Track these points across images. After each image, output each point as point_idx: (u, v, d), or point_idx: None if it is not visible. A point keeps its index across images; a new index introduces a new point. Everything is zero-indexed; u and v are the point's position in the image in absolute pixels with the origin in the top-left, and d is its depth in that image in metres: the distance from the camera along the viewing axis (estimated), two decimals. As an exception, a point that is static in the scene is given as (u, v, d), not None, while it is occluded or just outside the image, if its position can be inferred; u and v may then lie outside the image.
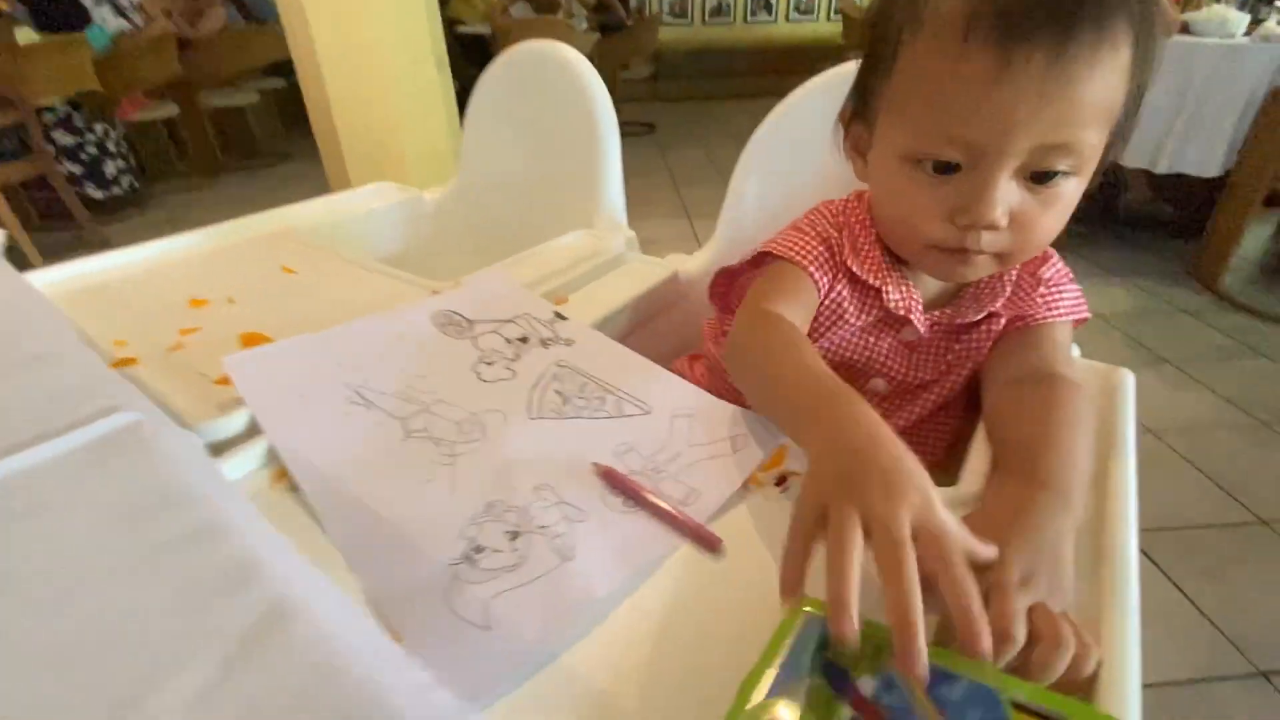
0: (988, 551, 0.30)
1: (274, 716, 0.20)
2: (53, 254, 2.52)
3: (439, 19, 2.09)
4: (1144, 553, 1.21)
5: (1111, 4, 0.36)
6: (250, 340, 0.58)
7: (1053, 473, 0.36)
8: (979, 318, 0.50)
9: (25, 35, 2.75)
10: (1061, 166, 0.40)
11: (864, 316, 0.52)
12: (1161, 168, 2.06)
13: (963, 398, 0.54)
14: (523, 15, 3.85)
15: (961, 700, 0.26)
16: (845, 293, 0.52)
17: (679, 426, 0.47)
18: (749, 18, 5.62)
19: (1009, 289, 0.50)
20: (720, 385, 0.62)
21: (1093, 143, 0.39)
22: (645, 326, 0.71)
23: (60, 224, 2.83)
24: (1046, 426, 0.40)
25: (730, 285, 0.60)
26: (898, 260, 0.51)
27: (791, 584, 0.29)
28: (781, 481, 0.43)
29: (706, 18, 5.58)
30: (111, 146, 3.08)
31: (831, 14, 5.56)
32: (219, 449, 0.45)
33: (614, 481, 0.42)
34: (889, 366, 0.54)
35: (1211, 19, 2.00)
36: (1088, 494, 0.38)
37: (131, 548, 0.25)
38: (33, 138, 2.57)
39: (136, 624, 0.22)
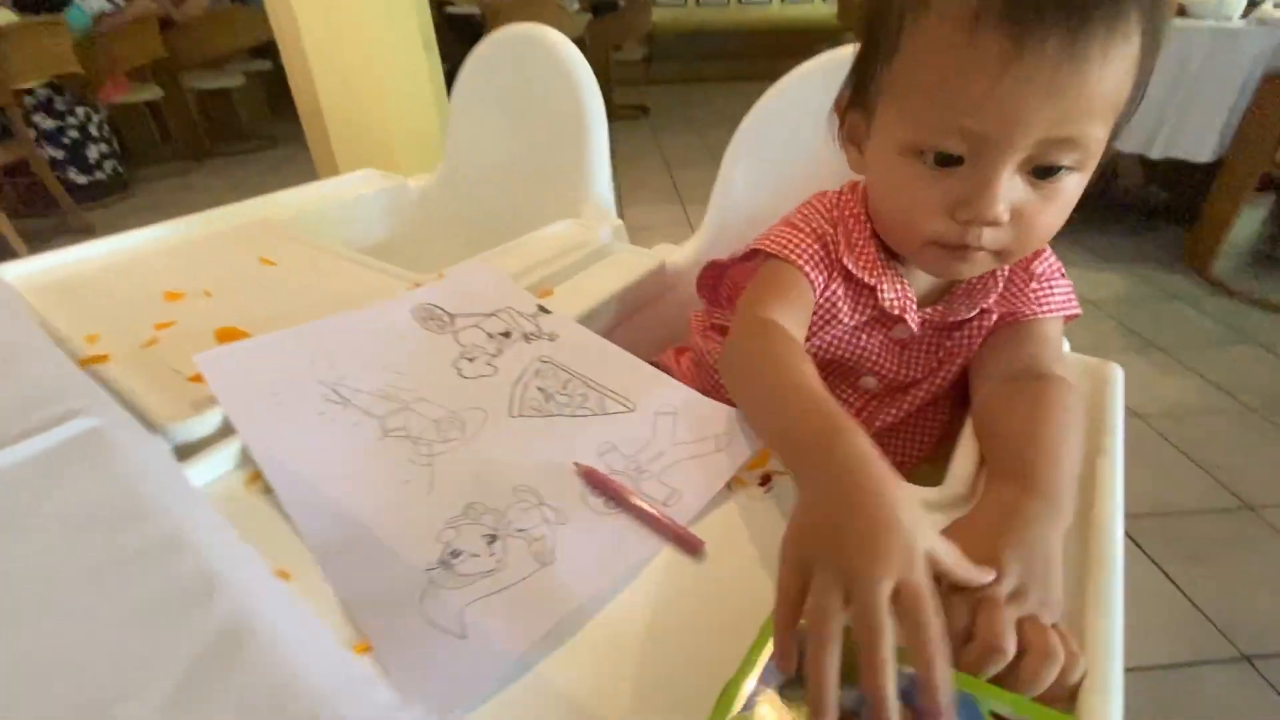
0: (984, 577, 0.30)
1: (229, 743, 0.19)
2: (35, 241, 2.48)
3: (427, -2, 2.05)
4: (1130, 538, 1.22)
5: None
6: (226, 335, 0.57)
7: (1043, 478, 0.36)
8: (971, 315, 0.49)
9: (3, 16, 2.68)
10: (1066, 161, 0.38)
11: (857, 315, 0.51)
12: (1156, 152, 2.05)
13: (952, 392, 0.54)
14: (513, -5, 3.79)
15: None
16: (840, 291, 0.51)
17: (662, 424, 0.46)
18: (744, -2, 5.55)
19: (1001, 284, 0.49)
20: (706, 379, 0.61)
21: (1098, 137, 0.38)
22: (632, 318, 0.70)
23: (42, 210, 2.78)
24: (1036, 427, 0.39)
25: (719, 278, 0.59)
26: (892, 255, 0.50)
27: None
28: (765, 481, 0.42)
29: (700, -1, 5.51)
30: (94, 130, 3.02)
31: (828, -6, 5.49)
32: (192, 450, 0.44)
33: (595, 482, 0.41)
34: (880, 364, 0.53)
35: (1208, 1, 1.98)
36: (1076, 495, 0.37)
37: (83, 564, 0.24)
38: (13, 122, 2.51)
39: (85, 647, 0.21)
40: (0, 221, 2.34)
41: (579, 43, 0.86)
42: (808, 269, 0.49)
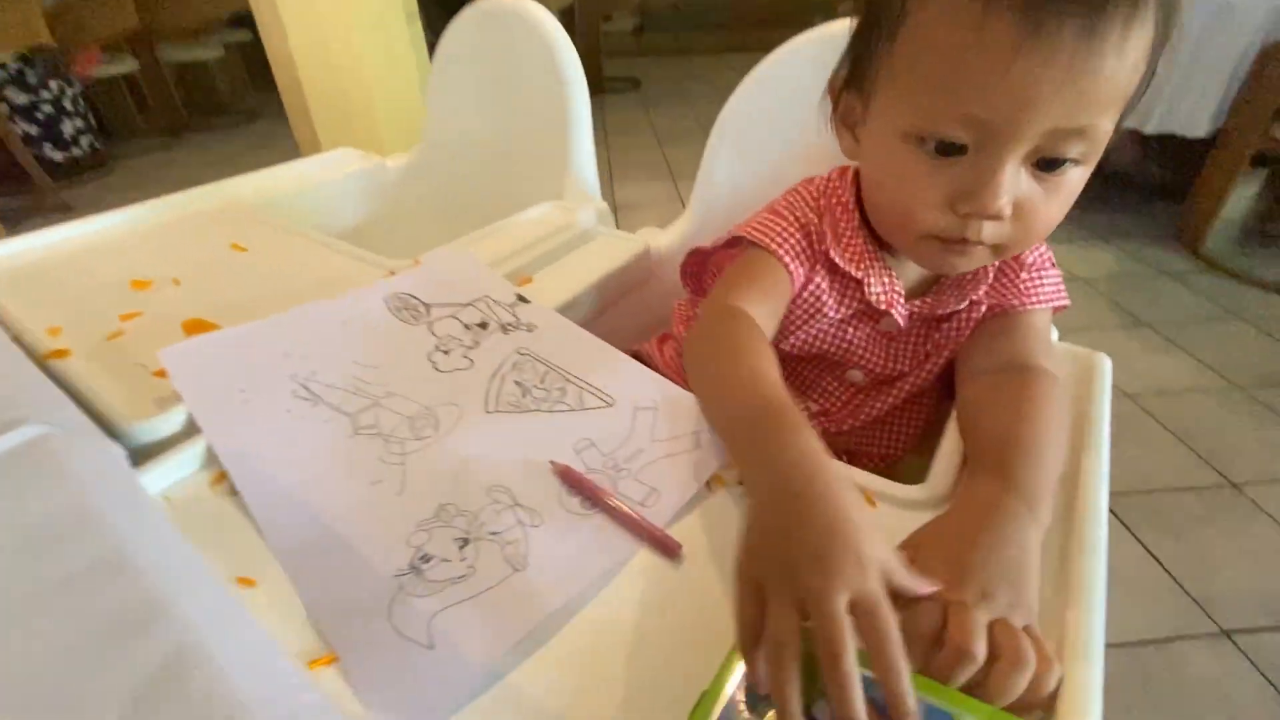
0: (927, 587, 0.29)
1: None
2: (10, 221, 2.42)
3: (408, -35, 1.98)
4: (1114, 514, 1.23)
5: None
6: (194, 327, 0.55)
7: (1023, 477, 0.35)
8: (960, 307, 0.48)
9: (-33, -16, 2.59)
10: (1073, 154, 0.36)
11: (844, 309, 0.50)
12: (1151, 127, 2.03)
13: (939, 383, 0.53)
14: (499, -37, 3.67)
15: (916, 723, 0.25)
16: (824, 285, 0.49)
17: (641, 420, 0.45)
18: (737, -34, 5.41)
19: (991, 275, 0.48)
20: (688, 371, 0.60)
21: (1106, 129, 0.36)
22: (615, 304, 0.68)
23: (17, 189, 2.71)
24: (1020, 424, 0.38)
25: (703, 265, 0.57)
26: (880, 245, 0.48)
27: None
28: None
29: (693, -34, 5.36)
30: (68, 105, 2.94)
31: (823, -38, 5.35)
32: (155, 450, 0.43)
33: (572, 481, 0.40)
34: (866, 357, 0.52)
35: (1207, -29, 1.93)
36: (1056, 494, 0.36)
37: (21, 585, 0.23)
38: (-17, 96, 2.44)
39: (19, 678, 0.20)
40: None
41: (568, 12, 0.84)
42: (787, 259, 0.47)
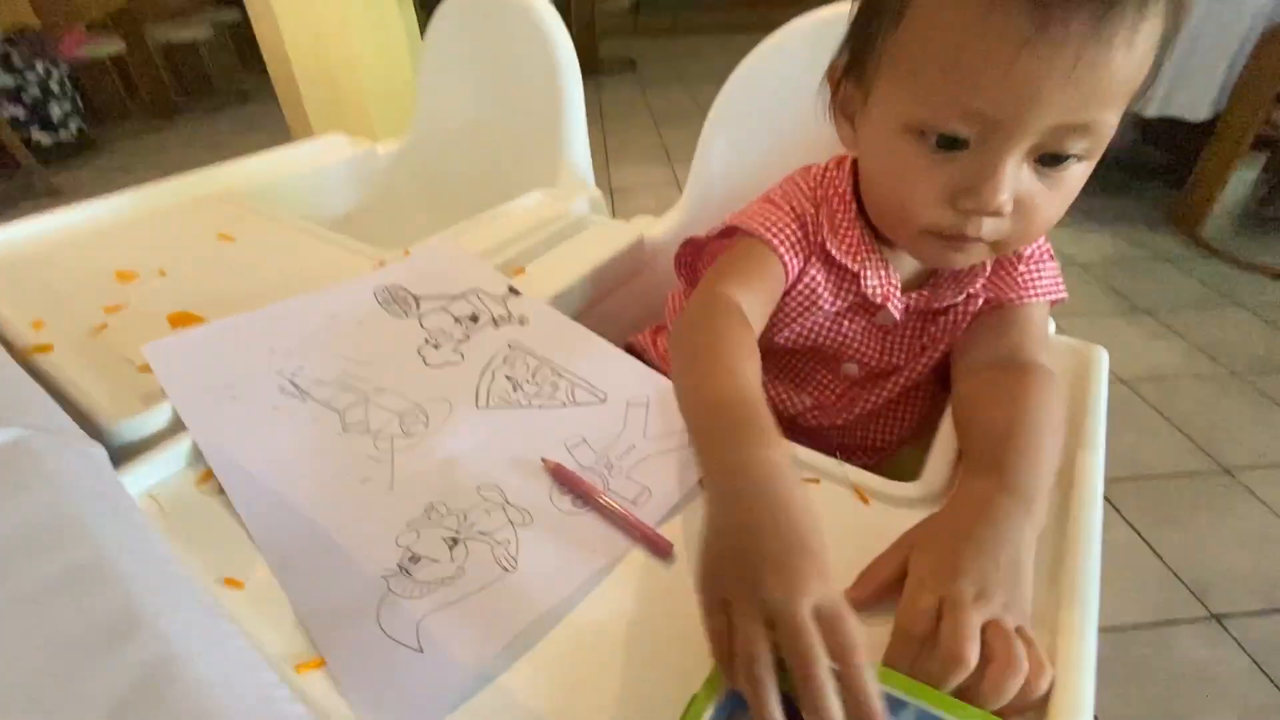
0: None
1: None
2: (-1, 205, 2.39)
3: (399, -56, 1.94)
4: (1108, 500, 1.24)
5: None
6: (179, 321, 0.54)
7: (1019, 476, 0.35)
8: (957, 300, 0.47)
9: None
10: (1076, 149, 0.36)
11: (839, 302, 0.49)
12: (1151, 111, 2.01)
13: (933, 376, 0.52)
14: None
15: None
16: (820, 278, 0.48)
17: (634, 417, 0.44)
18: (735, -57, 5.31)
19: (989, 268, 0.47)
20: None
21: (1111, 124, 0.35)
22: (609, 295, 0.67)
23: (5, 173, 2.67)
24: (1015, 422, 0.38)
25: (697, 255, 0.56)
26: (877, 237, 0.47)
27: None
28: (738, 477, 0.41)
29: (690, -57, 5.27)
30: (55, 87, 2.89)
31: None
32: (141, 447, 0.42)
33: (563, 479, 0.40)
34: (862, 351, 0.51)
35: (1211, -49, 1.90)
36: (1051, 492, 0.36)
37: (-4, 598, 0.22)
38: (-33, 78, 2.40)
39: (-6, 695, 0.20)
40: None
41: (563, -10, 0.81)
42: (782, 250, 0.46)
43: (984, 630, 0.28)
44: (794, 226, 0.47)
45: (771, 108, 0.66)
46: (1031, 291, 0.47)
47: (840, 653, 0.25)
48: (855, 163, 0.48)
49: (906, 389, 0.52)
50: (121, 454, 0.42)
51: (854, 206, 0.47)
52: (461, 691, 0.30)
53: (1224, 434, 1.38)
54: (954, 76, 0.34)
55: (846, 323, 0.50)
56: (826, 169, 0.50)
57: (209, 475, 0.41)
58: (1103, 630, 0.31)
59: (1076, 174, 0.37)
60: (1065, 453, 0.39)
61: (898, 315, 0.48)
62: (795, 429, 0.57)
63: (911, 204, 0.39)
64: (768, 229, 0.47)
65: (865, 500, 0.39)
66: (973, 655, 0.27)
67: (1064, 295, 0.48)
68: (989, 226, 0.38)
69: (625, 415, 0.45)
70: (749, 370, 0.38)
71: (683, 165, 2.69)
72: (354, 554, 0.36)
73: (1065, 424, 0.40)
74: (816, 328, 0.50)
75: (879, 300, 0.47)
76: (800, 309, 0.49)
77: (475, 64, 0.90)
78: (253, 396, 0.45)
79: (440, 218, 0.70)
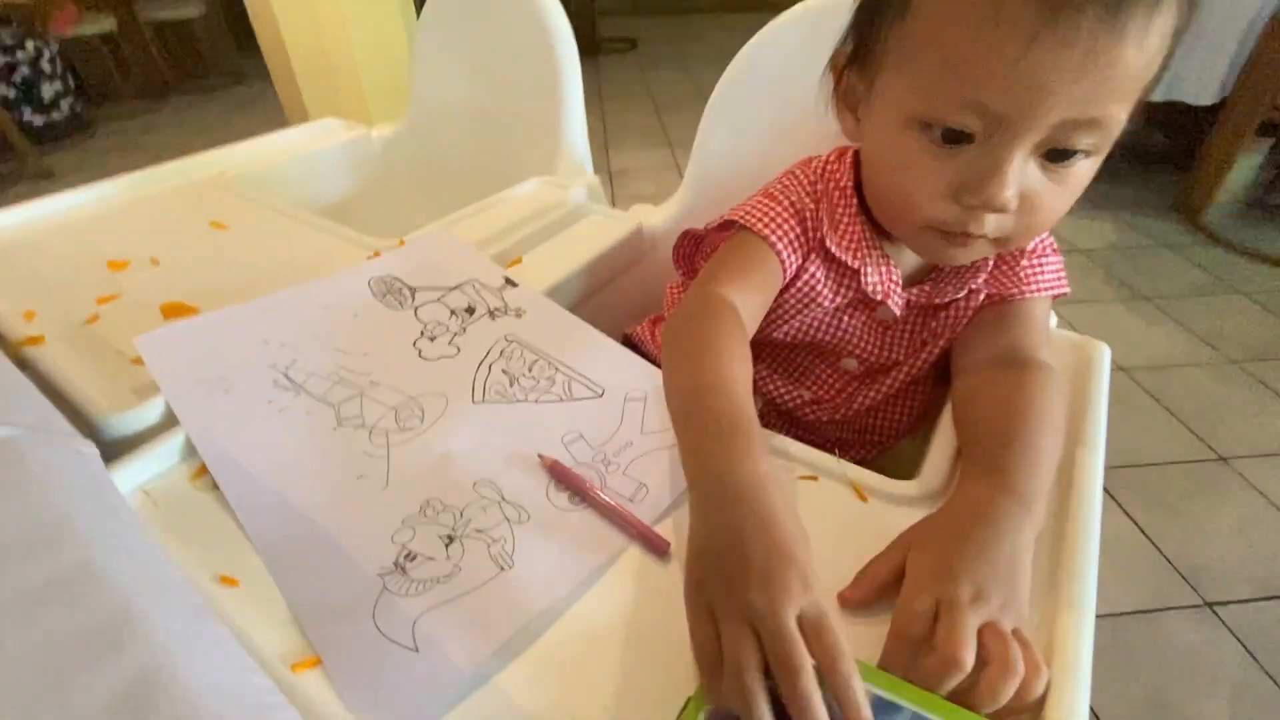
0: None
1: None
2: (-8, 188, 2.37)
3: (394, -79, 1.90)
4: (1104, 489, 1.24)
5: None
6: (172, 311, 0.54)
7: (1018, 476, 0.34)
8: (959, 295, 0.47)
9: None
10: (1084, 145, 0.35)
11: (839, 298, 0.48)
12: (1159, 95, 1.97)
13: (933, 370, 0.52)
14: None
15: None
16: (819, 274, 0.47)
17: (631, 411, 0.44)
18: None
19: (991, 263, 0.46)
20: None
21: (1120, 119, 0.34)
22: (607, 285, 0.67)
23: (-3, 154, 2.64)
24: (1016, 422, 0.38)
25: (696, 248, 0.55)
26: (878, 231, 0.47)
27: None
28: (736, 473, 0.41)
29: (692, -81, 5.17)
30: (47, 66, 2.84)
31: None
32: (134, 441, 0.42)
33: (560, 476, 0.40)
34: (861, 346, 0.51)
35: (1222, -68, 1.87)
36: (1050, 493, 0.36)
37: (-16, 604, 0.22)
38: (-45, 57, 2.36)
39: (-17, 704, 0.20)
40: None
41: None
42: (780, 246, 0.46)
43: (981, 632, 0.28)
44: (793, 222, 0.46)
45: (772, 96, 0.65)
46: (1034, 286, 0.46)
47: (825, 660, 0.25)
48: (857, 155, 0.48)
49: (906, 384, 0.52)
50: (115, 448, 0.41)
51: (855, 201, 0.46)
52: (457, 691, 0.30)
53: (1221, 422, 1.38)
54: (962, 69, 0.33)
55: (846, 318, 0.50)
56: (827, 161, 0.49)
57: (203, 470, 0.40)
58: (1096, 617, 0.31)
59: (1083, 170, 0.37)
60: (1064, 450, 0.39)
61: (898, 311, 0.47)
62: (793, 423, 0.57)
63: (914, 198, 0.39)
64: (766, 225, 0.46)
65: (864, 498, 0.39)
66: (969, 658, 0.27)
67: (1066, 290, 0.47)
68: (993, 223, 0.37)
69: (623, 411, 0.44)
70: (739, 376, 0.38)
71: (683, 149, 2.66)
72: (350, 551, 0.36)
73: (1065, 423, 0.40)
74: (816, 323, 0.50)
75: (879, 297, 0.46)
76: (799, 305, 0.48)
77: (471, 45, 0.88)
78: (246, 390, 0.44)
79: (436, 204, 0.70)
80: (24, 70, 2.76)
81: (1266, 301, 1.73)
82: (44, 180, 2.51)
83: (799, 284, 0.47)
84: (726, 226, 0.49)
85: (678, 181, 0.74)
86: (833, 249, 0.46)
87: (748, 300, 0.44)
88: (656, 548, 0.36)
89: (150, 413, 0.43)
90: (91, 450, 0.32)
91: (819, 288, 0.47)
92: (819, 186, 0.48)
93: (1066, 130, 0.34)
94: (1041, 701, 0.28)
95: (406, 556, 0.35)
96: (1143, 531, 1.18)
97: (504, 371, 0.47)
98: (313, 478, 0.40)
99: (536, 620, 0.33)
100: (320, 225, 0.67)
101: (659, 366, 0.47)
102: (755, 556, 0.28)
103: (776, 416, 0.57)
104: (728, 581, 0.28)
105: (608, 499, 0.38)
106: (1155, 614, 1.06)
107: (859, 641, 0.29)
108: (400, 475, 0.40)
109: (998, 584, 0.30)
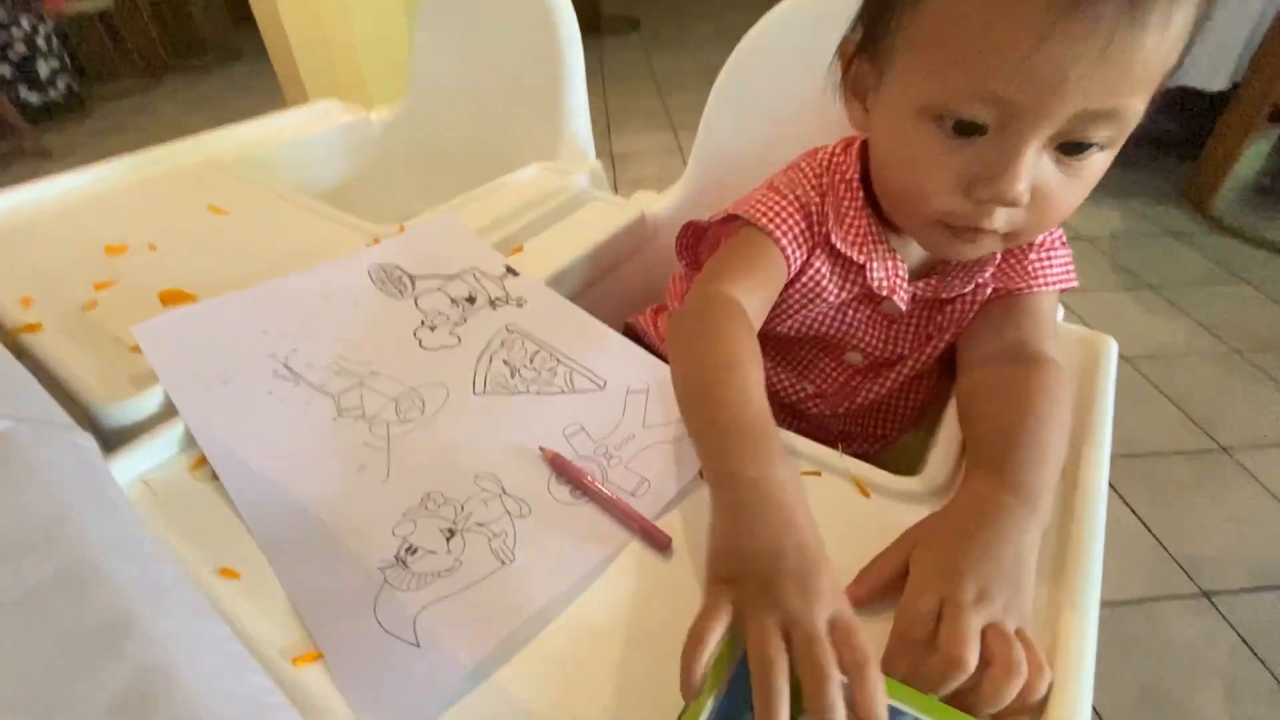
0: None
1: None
2: (-11, 167, 2.35)
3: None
4: (1106, 482, 1.25)
5: None
6: (170, 298, 0.53)
7: (1024, 475, 0.34)
8: (966, 290, 0.46)
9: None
10: (1099, 138, 0.34)
11: (844, 293, 0.48)
12: (1168, 80, 1.95)
13: (938, 364, 0.51)
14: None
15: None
16: (825, 270, 0.47)
17: (633, 405, 0.44)
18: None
19: (999, 256, 0.45)
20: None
21: (1138, 111, 0.33)
22: (609, 274, 0.66)
23: (-7, 133, 2.62)
24: (1021, 420, 0.37)
25: (699, 240, 0.55)
26: (885, 224, 0.46)
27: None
28: (738, 468, 0.40)
29: (696, -106, 5.06)
30: (42, 44, 2.81)
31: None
32: (133, 431, 0.41)
33: (561, 470, 0.39)
34: (865, 340, 0.50)
35: (1237, -89, 1.83)
36: (1055, 491, 0.36)
37: (-19, 603, 0.22)
38: (-50, 34, 2.33)
39: (-18, 705, 0.19)
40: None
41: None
42: (785, 243, 0.45)
43: (984, 633, 0.28)
44: (798, 217, 0.45)
45: (778, 82, 0.64)
46: (1042, 280, 0.45)
47: (853, 666, 0.25)
48: (864, 145, 0.47)
49: (910, 378, 0.51)
50: (113, 438, 0.41)
51: (861, 194, 0.46)
52: (458, 687, 0.30)
53: (1222, 412, 1.38)
54: (977, 58, 0.32)
55: (850, 312, 0.49)
56: (833, 152, 0.48)
57: (203, 461, 0.40)
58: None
59: (1098, 163, 0.36)
60: (1070, 447, 0.39)
61: (904, 306, 0.47)
62: (796, 416, 0.57)
63: (923, 191, 0.38)
64: (771, 220, 0.45)
65: (866, 494, 0.38)
66: (972, 659, 0.27)
67: (1074, 283, 0.47)
68: (1003, 217, 0.37)
69: (624, 403, 0.44)
70: (755, 379, 0.38)
71: (686, 132, 2.63)
72: (350, 545, 0.35)
73: (1070, 420, 0.40)
74: (820, 317, 0.49)
75: (884, 293, 0.46)
76: (803, 301, 0.48)
77: (471, 25, 0.86)
78: (245, 380, 0.44)
79: (436, 188, 0.69)
80: (19, 48, 2.73)
81: (1273, 291, 1.72)
82: (42, 160, 2.49)
83: (804, 279, 0.47)
84: (730, 219, 0.49)
85: (680, 165, 0.73)
86: (838, 244, 0.45)
87: (753, 298, 0.43)
88: (658, 543, 0.36)
89: (149, 402, 0.43)
90: (90, 443, 0.32)
91: (824, 283, 0.47)
92: (825, 179, 0.47)
93: (1083, 122, 0.33)
94: (1044, 702, 0.28)
95: (407, 550, 0.35)
96: (1140, 520, 1.18)
97: (505, 362, 0.47)
98: (313, 469, 0.39)
99: (538, 616, 0.33)
100: (319, 210, 0.67)
101: (661, 357, 0.47)
102: (790, 561, 0.29)
103: (779, 410, 0.56)
104: (762, 582, 0.28)
105: (609, 493, 0.38)
106: (1151, 603, 1.07)
107: (861, 640, 0.29)
108: (401, 467, 0.40)
109: (1002, 584, 0.30)
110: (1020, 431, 0.37)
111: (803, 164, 0.48)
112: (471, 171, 0.75)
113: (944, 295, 0.46)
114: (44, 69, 2.82)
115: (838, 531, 0.35)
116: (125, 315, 0.48)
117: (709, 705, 0.27)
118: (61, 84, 2.90)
